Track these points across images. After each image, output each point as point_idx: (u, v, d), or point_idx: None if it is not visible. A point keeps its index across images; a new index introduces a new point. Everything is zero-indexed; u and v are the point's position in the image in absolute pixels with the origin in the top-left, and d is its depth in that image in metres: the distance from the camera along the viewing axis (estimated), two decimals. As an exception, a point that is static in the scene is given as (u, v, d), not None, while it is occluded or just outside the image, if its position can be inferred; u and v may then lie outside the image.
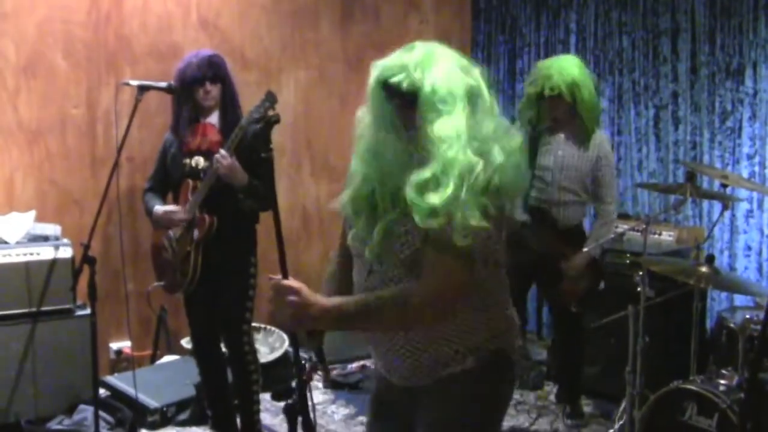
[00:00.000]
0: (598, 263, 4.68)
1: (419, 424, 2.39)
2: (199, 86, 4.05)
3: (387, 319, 2.21)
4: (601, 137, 4.61)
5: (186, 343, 5.24)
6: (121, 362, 5.31)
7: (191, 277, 4.05)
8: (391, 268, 2.25)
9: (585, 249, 4.48)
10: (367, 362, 5.61)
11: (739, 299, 5.23)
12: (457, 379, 2.32)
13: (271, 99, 3.88)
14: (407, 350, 2.31)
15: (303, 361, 5.75)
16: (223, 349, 4.31)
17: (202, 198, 3.99)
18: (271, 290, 2.17)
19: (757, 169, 5.25)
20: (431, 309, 2.19)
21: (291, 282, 2.15)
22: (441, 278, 2.16)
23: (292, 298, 2.12)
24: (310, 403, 2.34)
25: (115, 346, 5.35)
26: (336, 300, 2.21)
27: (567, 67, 4.41)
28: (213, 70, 4.07)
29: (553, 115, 4.46)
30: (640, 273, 4.24)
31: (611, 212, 4.63)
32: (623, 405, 4.37)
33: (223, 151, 3.87)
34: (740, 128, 5.32)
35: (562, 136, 4.55)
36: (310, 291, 2.15)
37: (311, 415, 2.33)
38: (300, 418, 2.32)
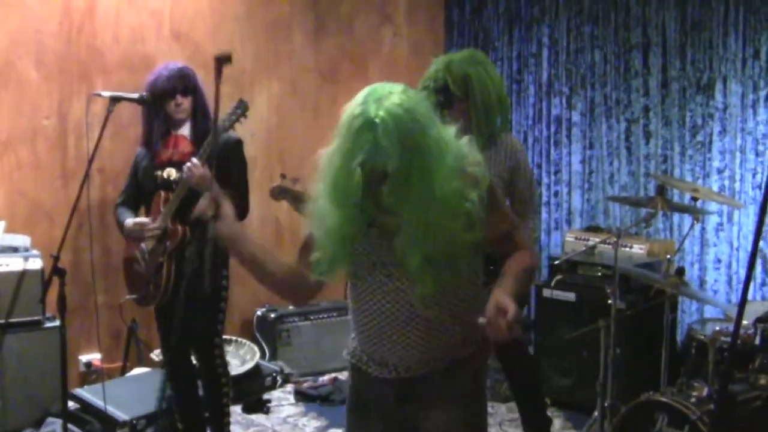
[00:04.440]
0: None
1: (430, 411, 2.55)
2: (170, 99, 4.03)
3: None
4: (512, 141, 4.12)
5: (156, 355, 5.20)
6: (91, 374, 5.26)
7: (164, 289, 4.02)
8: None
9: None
10: (339, 374, 5.60)
11: (709, 311, 5.27)
12: (464, 362, 2.54)
13: (242, 107, 3.89)
14: (424, 335, 2.46)
15: (274, 374, 5.75)
16: (194, 362, 4.28)
17: (174, 209, 3.97)
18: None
19: (727, 182, 5.30)
20: None
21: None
22: None
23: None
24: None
25: (84, 358, 5.30)
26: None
27: (456, 61, 4.01)
28: (184, 82, 4.06)
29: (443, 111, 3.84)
30: (612, 285, 4.28)
31: (533, 230, 4.15)
32: (594, 416, 4.39)
33: (194, 160, 3.85)
34: (710, 142, 5.38)
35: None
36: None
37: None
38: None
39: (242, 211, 4.10)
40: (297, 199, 4.01)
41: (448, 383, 2.53)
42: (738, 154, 5.25)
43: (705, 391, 3.74)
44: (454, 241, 2.32)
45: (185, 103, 4.06)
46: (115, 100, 4.01)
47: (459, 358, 2.52)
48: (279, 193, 4.20)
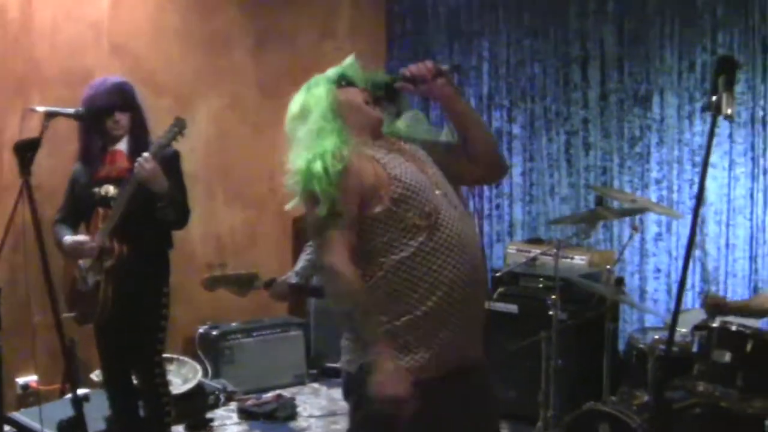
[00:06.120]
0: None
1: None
2: (109, 116, 3.97)
3: None
4: None
5: (96, 376, 5.10)
6: (28, 397, 5.14)
7: (102, 307, 3.95)
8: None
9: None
10: (282, 391, 5.55)
11: (650, 320, 5.34)
12: None
13: (180, 125, 3.85)
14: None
15: (217, 392, 5.66)
16: (135, 381, 4.21)
17: (113, 225, 3.90)
18: None
19: (665, 193, 5.39)
20: None
21: None
22: None
23: None
24: None
25: (21, 380, 5.18)
26: None
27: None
28: (123, 98, 4.00)
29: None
30: (553, 297, 4.31)
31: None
32: (538, 427, 4.41)
33: (146, 155, 3.79)
34: (648, 153, 5.46)
35: None
36: None
37: None
38: None
39: (183, 216, 4.05)
40: (234, 283, 3.93)
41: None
42: (675, 164, 5.34)
43: (645, 400, 3.78)
44: None
45: (123, 119, 4.00)
46: (50, 116, 3.94)
47: None
48: (212, 285, 4.06)
